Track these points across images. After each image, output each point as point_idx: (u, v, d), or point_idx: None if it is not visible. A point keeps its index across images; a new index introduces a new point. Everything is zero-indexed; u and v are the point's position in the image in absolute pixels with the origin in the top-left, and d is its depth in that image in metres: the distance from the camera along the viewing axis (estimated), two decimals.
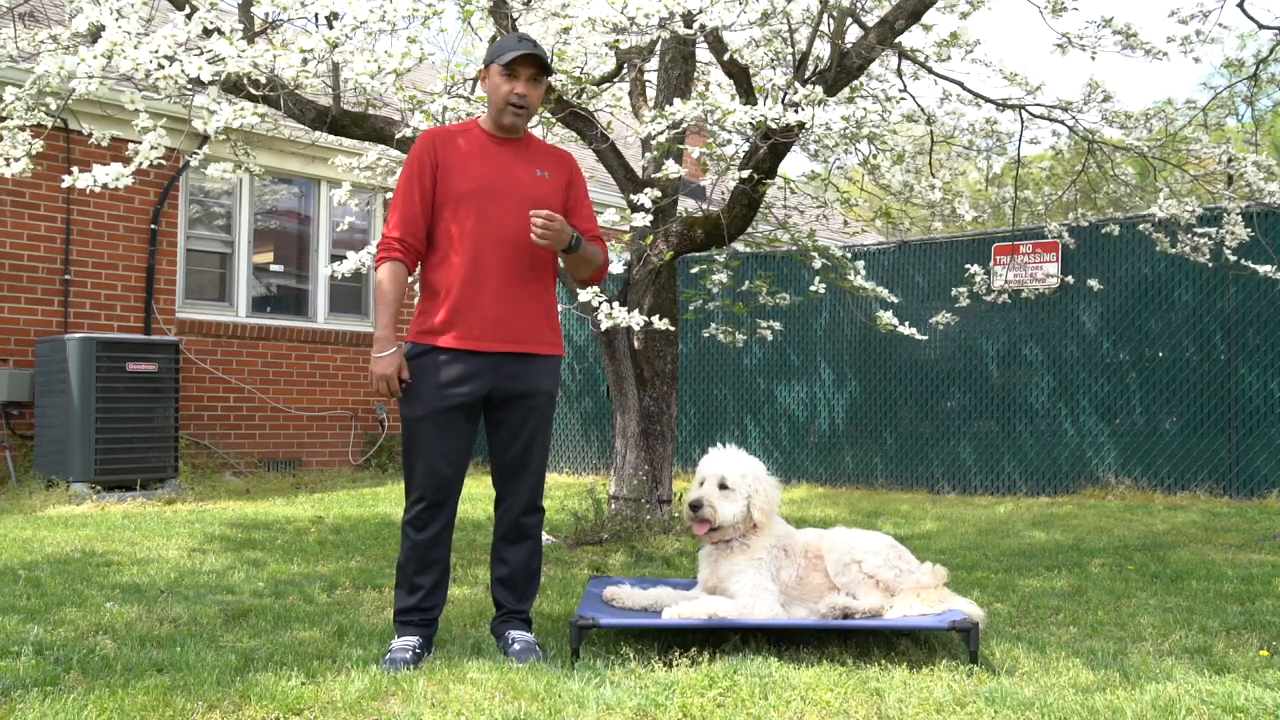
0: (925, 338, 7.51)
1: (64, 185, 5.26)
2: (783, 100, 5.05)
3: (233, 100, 5.44)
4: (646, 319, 5.46)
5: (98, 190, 5.33)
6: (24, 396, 8.84)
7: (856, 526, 6.84)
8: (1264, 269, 7.00)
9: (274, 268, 10.99)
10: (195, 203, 10.31)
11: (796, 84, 5.15)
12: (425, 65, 6.16)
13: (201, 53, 4.75)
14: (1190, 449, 8.34)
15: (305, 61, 4.80)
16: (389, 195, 7.64)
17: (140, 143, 5.59)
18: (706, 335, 7.72)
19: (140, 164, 5.36)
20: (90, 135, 6.30)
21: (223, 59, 4.77)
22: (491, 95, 3.66)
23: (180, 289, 10.06)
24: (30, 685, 3.09)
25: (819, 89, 4.96)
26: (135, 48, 4.67)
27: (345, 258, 6.29)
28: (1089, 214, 8.36)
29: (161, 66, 4.68)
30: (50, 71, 4.78)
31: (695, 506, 3.81)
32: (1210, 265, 7.48)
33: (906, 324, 7.01)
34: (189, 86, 5.13)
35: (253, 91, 5.20)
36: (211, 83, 4.89)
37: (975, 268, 8.08)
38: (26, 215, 9.13)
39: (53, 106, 5.99)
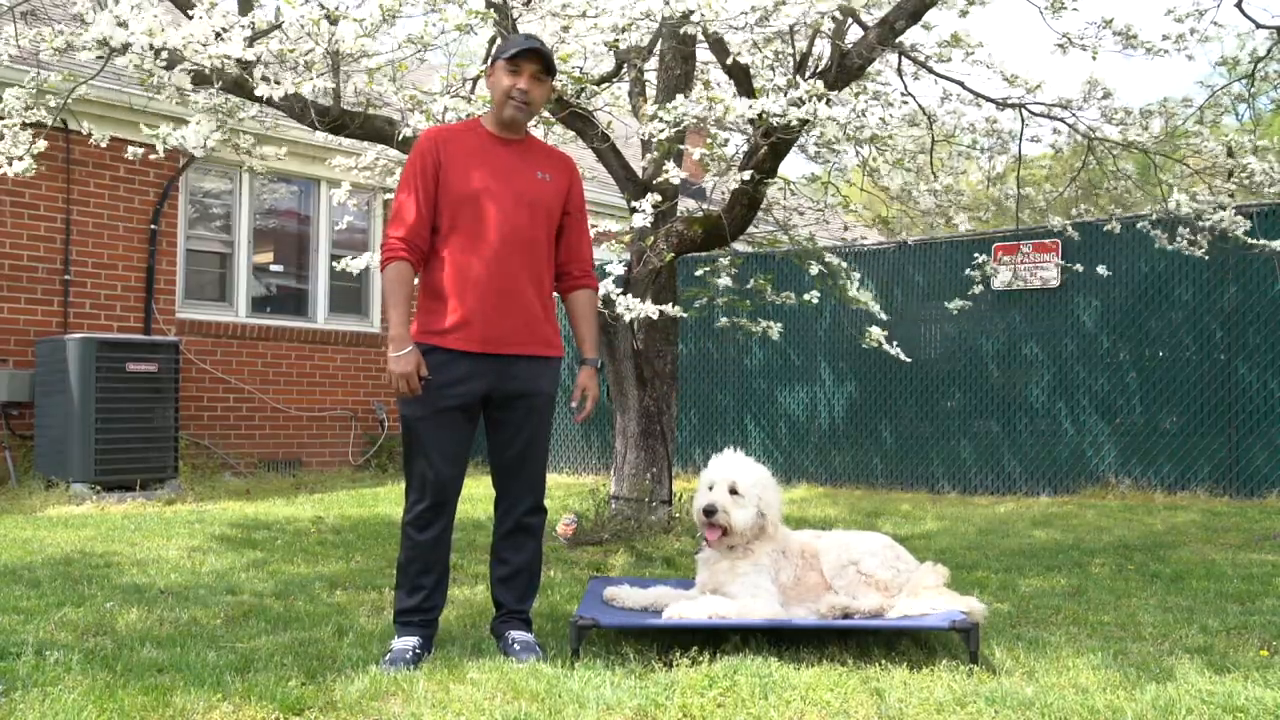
0: (909, 360, 7.39)
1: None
2: (785, 95, 5.06)
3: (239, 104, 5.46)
4: (660, 309, 5.50)
5: (98, 190, 5.35)
6: (24, 396, 8.84)
7: (857, 526, 6.87)
8: (1275, 244, 6.83)
9: (274, 268, 10.99)
10: (195, 203, 10.31)
11: (799, 79, 5.15)
12: (425, 65, 6.16)
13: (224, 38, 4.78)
14: (1190, 448, 8.34)
15: (371, 75, 4.86)
16: (388, 195, 7.64)
17: (138, 144, 5.61)
18: (718, 326, 7.71)
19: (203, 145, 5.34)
20: (90, 135, 6.30)
21: (267, 37, 4.82)
22: (494, 90, 3.66)
23: (180, 289, 10.06)
24: (30, 685, 3.09)
25: (820, 83, 4.97)
26: (171, 29, 4.70)
27: (348, 258, 6.31)
28: (1089, 210, 8.35)
29: (207, 44, 4.70)
30: (99, 38, 4.79)
31: (709, 512, 3.77)
32: (1213, 255, 7.36)
33: (895, 344, 6.95)
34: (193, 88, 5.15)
35: (262, 93, 5.20)
36: (249, 63, 4.92)
37: (983, 257, 8.08)
38: (26, 215, 9.12)
39: (52, 104, 5.99)
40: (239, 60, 4.85)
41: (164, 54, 4.84)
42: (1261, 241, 6.89)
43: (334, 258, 11.01)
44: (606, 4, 4.98)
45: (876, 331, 6.84)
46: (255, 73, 5.09)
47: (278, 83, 5.11)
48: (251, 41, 4.99)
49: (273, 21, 5.06)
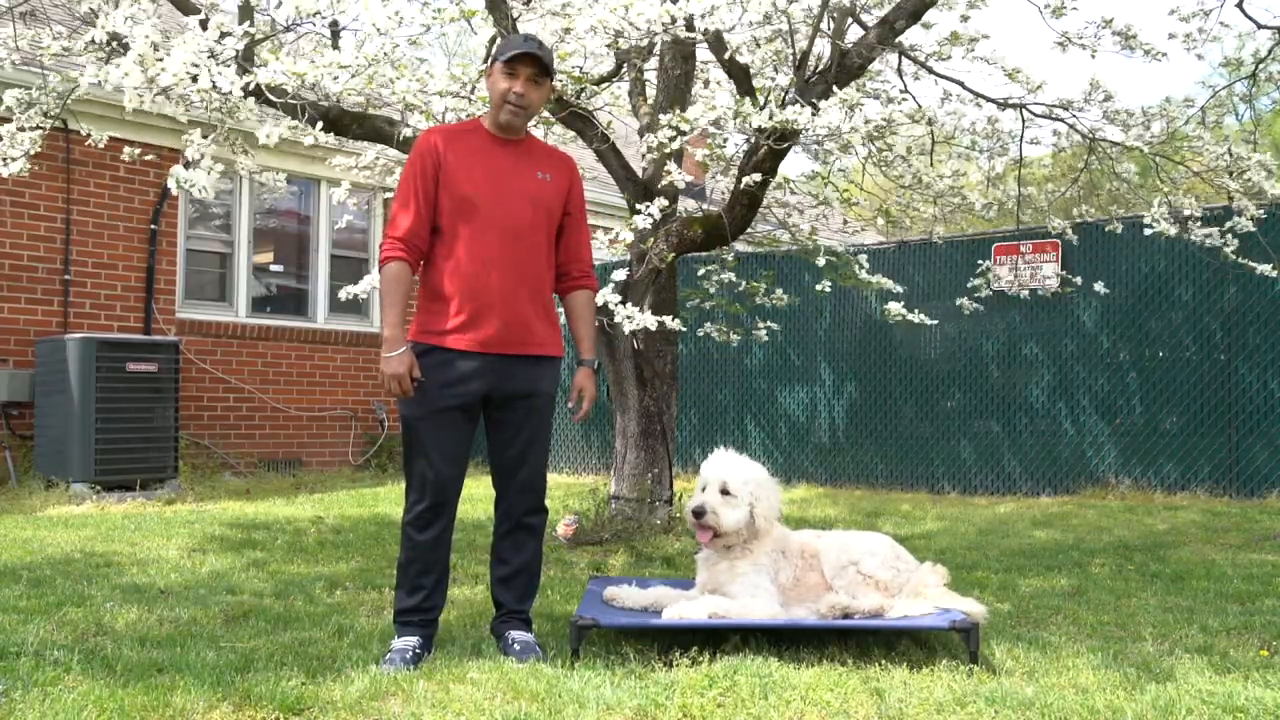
0: (935, 321, 7.50)
1: None
2: (788, 100, 5.06)
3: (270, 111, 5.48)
4: (660, 321, 5.49)
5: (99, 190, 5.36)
6: (24, 396, 8.84)
7: (857, 527, 6.86)
8: (1261, 268, 6.96)
9: (274, 268, 10.99)
10: (195, 203, 10.31)
11: (835, 88, 5.15)
12: (426, 65, 6.15)
13: (217, 59, 4.76)
14: (1190, 448, 8.33)
15: (354, 75, 4.87)
16: (388, 195, 7.63)
17: (134, 144, 5.61)
18: (703, 334, 7.72)
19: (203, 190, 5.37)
20: (89, 135, 6.30)
21: (253, 70, 4.80)
22: (491, 92, 3.66)
23: (180, 289, 10.06)
24: (30, 685, 3.08)
25: (855, 93, 4.99)
26: (168, 55, 4.69)
27: (348, 287, 6.33)
28: (1091, 210, 8.34)
29: (195, 79, 4.70)
30: (95, 82, 4.81)
31: (698, 513, 3.78)
32: (1217, 259, 7.41)
33: (916, 312, 6.98)
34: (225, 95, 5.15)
35: (271, 97, 5.19)
36: (247, 95, 4.93)
37: (986, 262, 8.10)
38: (26, 215, 9.12)
39: (51, 110, 5.99)
40: (228, 94, 4.86)
41: (157, 83, 4.83)
42: (1250, 262, 6.95)
43: (334, 257, 11.05)
44: (607, 4, 4.97)
45: (896, 306, 6.84)
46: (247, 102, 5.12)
47: (277, 122, 5.15)
48: (250, 48, 4.98)
49: (268, 31, 5.07)
